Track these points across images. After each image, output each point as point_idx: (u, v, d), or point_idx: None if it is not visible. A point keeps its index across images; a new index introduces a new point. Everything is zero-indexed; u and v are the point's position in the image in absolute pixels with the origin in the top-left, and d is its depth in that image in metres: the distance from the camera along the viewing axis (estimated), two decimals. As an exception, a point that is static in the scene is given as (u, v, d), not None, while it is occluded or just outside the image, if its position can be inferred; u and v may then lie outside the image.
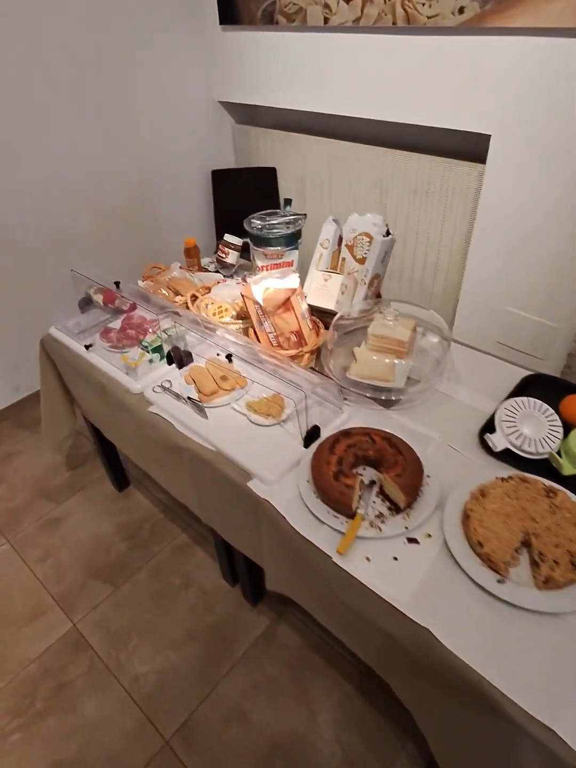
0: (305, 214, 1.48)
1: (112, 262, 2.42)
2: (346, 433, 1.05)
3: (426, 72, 1.75)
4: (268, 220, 1.48)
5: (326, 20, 1.90)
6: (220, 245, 1.70)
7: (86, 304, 1.60)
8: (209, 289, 1.58)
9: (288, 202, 1.50)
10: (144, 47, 2.13)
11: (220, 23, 2.24)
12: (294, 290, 1.24)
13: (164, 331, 1.40)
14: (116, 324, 1.54)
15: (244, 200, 2.63)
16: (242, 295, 1.32)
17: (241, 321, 1.43)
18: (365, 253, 1.45)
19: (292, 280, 1.24)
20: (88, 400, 1.54)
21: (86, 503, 1.94)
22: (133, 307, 1.59)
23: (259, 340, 1.35)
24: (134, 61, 2.12)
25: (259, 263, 1.50)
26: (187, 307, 1.52)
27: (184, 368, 1.35)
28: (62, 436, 1.73)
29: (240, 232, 2.74)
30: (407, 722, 1.30)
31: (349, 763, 1.26)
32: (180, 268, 1.73)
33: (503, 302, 1.99)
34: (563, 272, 1.80)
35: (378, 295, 1.46)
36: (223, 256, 1.68)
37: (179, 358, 1.33)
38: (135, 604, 1.61)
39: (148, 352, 1.36)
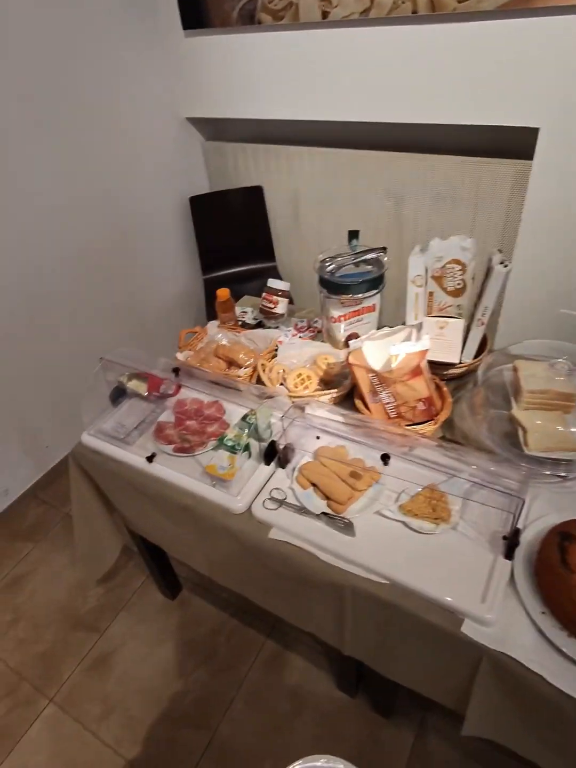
0: (385, 248, 1.22)
1: (96, 329, 2.04)
2: (566, 536, 0.82)
3: (459, 65, 1.54)
4: (344, 262, 1.21)
5: (325, 14, 1.64)
6: (264, 294, 1.40)
7: (119, 395, 1.25)
8: (274, 353, 1.29)
9: (354, 234, 1.24)
10: (94, 66, 1.76)
11: (184, 28, 1.92)
12: (425, 352, 0.99)
13: (245, 418, 1.10)
14: (167, 416, 1.21)
15: (230, 228, 2.33)
16: (350, 364, 1.05)
17: (335, 390, 1.16)
18: (458, 285, 1.22)
19: (423, 341, 0.98)
20: (153, 523, 1.20)
21: (136, 625, 1.59)
22: (177, 389, 1.27)
23: (367, 408, 1.09)
24: (84, 84, 1.75)
25: (335, 313, 1.23)
26: (256, 381, 1.22)
27: (290, 467, 1.05)
28: (107, 568, 1.36)
29: (229, 264, 2.44)
30: None
31: None
32: (218, 326, 1.41)
33: (556, 304, 1.83)
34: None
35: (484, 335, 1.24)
36: (271, 305, 1.39)
37: (284, 455, 1.04)
38: (244, 752, 1.30)
39: (235, 452, 1.06)
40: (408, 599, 0.84)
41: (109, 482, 1.21)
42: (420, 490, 0.96)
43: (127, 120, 1.93)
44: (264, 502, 0.99)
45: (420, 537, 0.91)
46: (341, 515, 0.94)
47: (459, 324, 1.11)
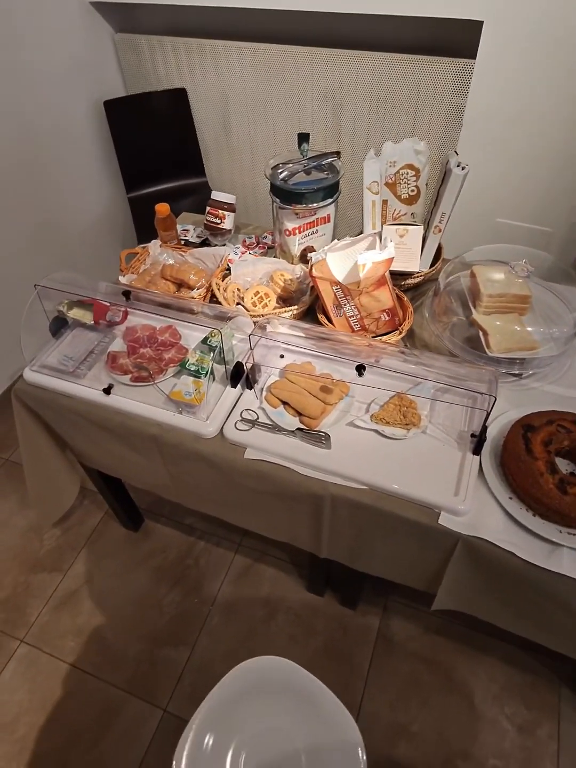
0: (338, 152, 1.15)
1: (14, 257, 1.83)
2: (528, 427, 0.87)
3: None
4: (295, 169, 1.13)
5: None
6: (209, 209, 1.29)
7: (60, 325, 1.14)
8: (226, 272, 1.22)
9: (304, 137, 1.15)
10: None
11: None
12: (390, 261, 0.97)
13: (206, 341, 1.05)
14: (118, 345, 1.13)
15: (152, 138, 2.10)
16: (313, 277, 1.01)
17: (295, 308, 1.12)
18: (412, 191, 1.19)
19: (389, 249, 0.96)
20: (114, 456, 1.15)
21: (101, 560, 1.57)
22: (125, 315, 1.18)
23: (330, 323, 1.07)
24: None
25: (290, 225, 1.17)
26: (210, 301, 1.16)
27: (258, 387, 1.03)
28: (66, 508, 1.31)
29: (155, 181, 2.23)
30: (555, 668, 1.30)
31: (521, 730, 1.23)
32: (160, 246, 1.30)
33: (494, 214, 1.87)
34: (555, 172, 1.71)
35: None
36: (218, 220, 1.29)
37: (251, 375, 1.01)
38: (225, 659, 1.37)
39: (200, 376, 1.01)
40: (387, 501, 0.87)
41: (60, 419, 1.13)
42: (389, 398, 0.98)
43: (18, 4, 1.62)
44: (236, 423, 0.97)
45: (393, 443, 0.94)
46: (316, 430, 0.95)
47: (418, 231, 1.10)
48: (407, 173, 1.18)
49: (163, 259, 1.25)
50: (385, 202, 1.21)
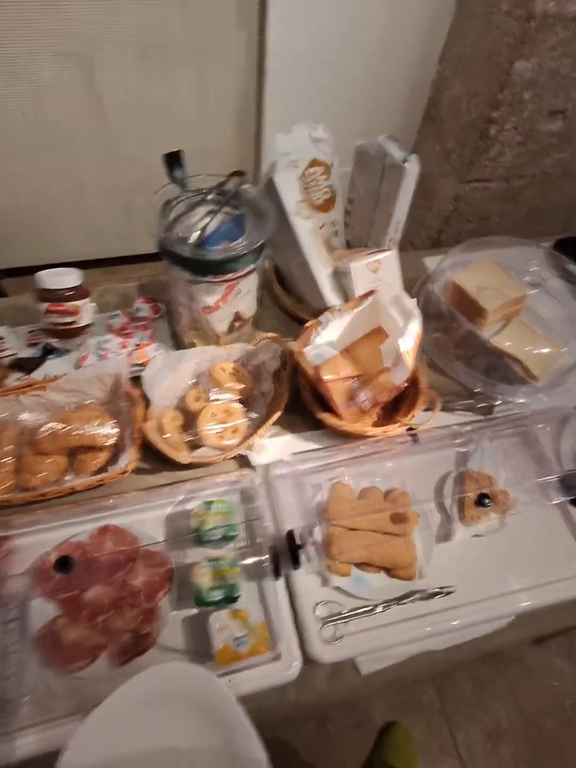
0: (242, 172, 0.75)
1: None
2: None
3: None
4: (195, 218, 0.71)
5: None
6: (48, 307, 0.77)
7: None
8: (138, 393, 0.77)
9: (174, 159, 0.71)
10: None
11: None
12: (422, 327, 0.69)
13: (202, 540, 0.67)
14: (40, 612, 0.64)
15: None
16: (323, 383, 0.68)
17: (278, 412, 0.77)
18: (326, 194, 0.90)
19: (416, 316, 0.67)
20: None
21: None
22: (7, 554, 0.68)
23: (337, 417, 0.78)
24: None
25: (210, 300, 0.76)
26: (140, 447, 0.73)
27: (304, 556, 0.70)
28: None
29: None
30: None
31: None
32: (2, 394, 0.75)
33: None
34: (377, 102, 1.55)
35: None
36: (70, 320, 0.79)
37: (298, 546, 0.67)
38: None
39: (234, 599, 0.63)
40: (544, 618, 0.70)
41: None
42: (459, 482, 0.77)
43: None
44: (319, 632, 0.65)
45: (492, 539, 0.75)
46: (428, 588, 0.69)
47: (393, 259, 0.81)
48: (315, 172, 0.87)
49: (22, 419, 0.73)
50: (296, 215, 0.88)
